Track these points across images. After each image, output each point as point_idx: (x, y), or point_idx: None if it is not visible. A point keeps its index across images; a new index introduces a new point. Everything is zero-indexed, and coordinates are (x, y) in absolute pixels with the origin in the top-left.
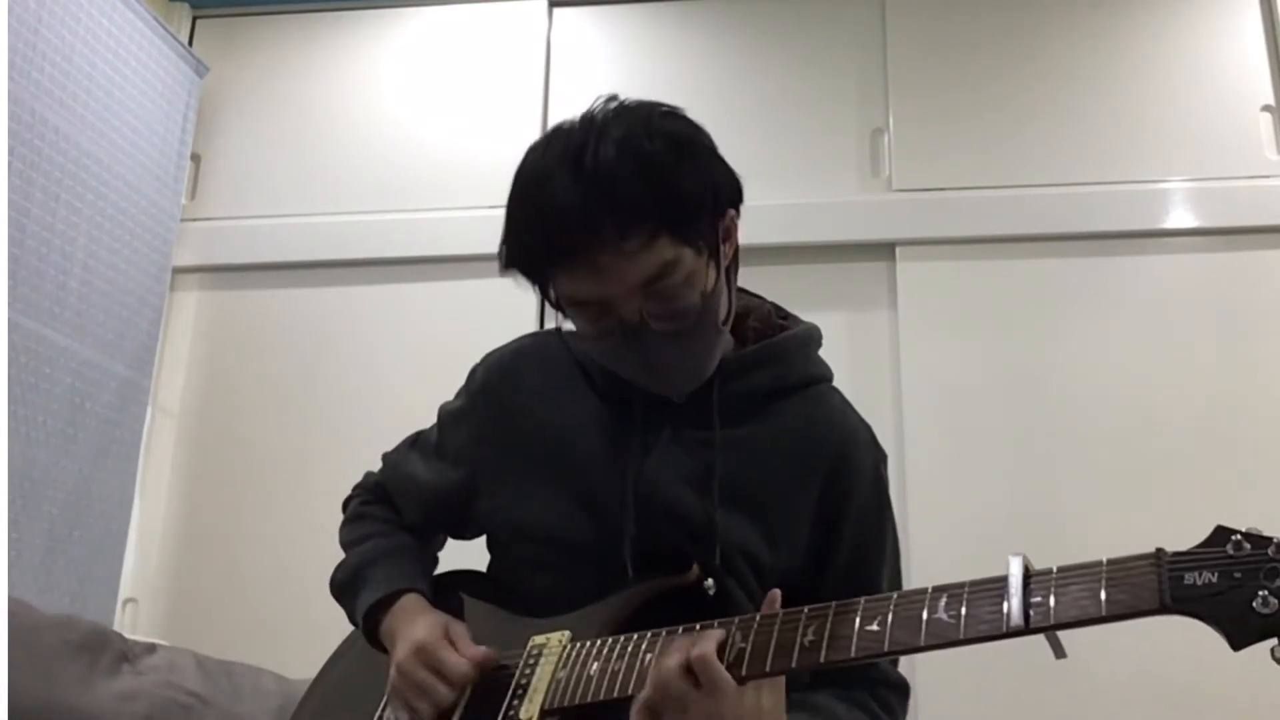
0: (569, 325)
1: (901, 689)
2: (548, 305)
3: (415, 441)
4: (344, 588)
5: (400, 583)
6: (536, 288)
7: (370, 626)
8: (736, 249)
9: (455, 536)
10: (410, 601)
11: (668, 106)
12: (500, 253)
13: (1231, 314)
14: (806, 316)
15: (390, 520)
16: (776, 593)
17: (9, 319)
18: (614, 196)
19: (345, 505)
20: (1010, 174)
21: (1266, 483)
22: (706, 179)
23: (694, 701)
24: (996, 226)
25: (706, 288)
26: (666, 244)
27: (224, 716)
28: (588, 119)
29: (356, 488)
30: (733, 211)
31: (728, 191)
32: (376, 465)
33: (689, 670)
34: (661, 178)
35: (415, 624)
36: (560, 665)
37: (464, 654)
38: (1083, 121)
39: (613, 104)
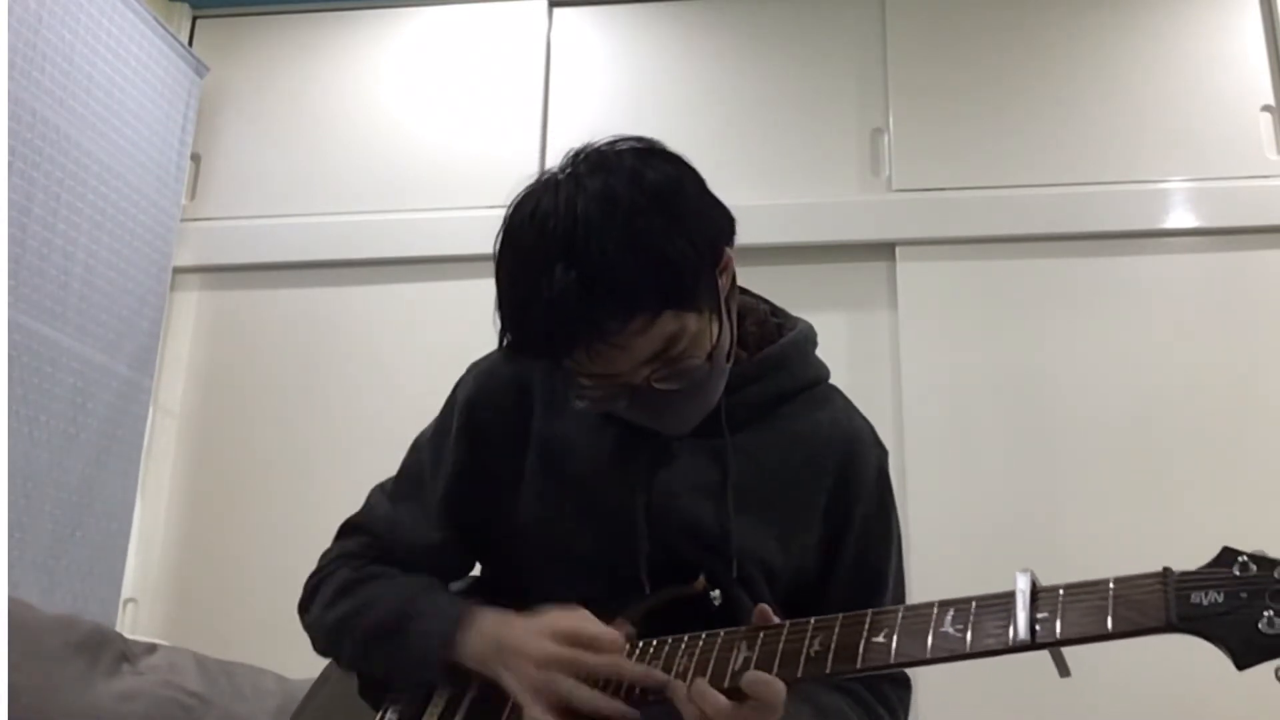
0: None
1: (902, 683)
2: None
3: (394, 492)
4: (389, 630)
5: (466, 604)
6: None
7: (445, 654)
8: (734, 278)
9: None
10: (493, 613)
11: (647, 144)
12: (500, 336)
13: (1231, 314)
14: (806, 316)
15: (396, 569)
16: (764, 607)
17: (10, 319)
18: (614, 288)
19: (314, 585)
20: (1010, 174)
21: (1265, 481)
22: (703, 237)
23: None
24: (996, 226)
25: (712, 343)
26: (670, 318)
27: (224, 716)
28: (570, 186)
29: (330, 561)
30: (728, 250)
31: (723, 236)
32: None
33: (737, 695)
34: (660, 255)
35: (517, 620)
36: None
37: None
38: (1082, 121)
39: (589, 157)
